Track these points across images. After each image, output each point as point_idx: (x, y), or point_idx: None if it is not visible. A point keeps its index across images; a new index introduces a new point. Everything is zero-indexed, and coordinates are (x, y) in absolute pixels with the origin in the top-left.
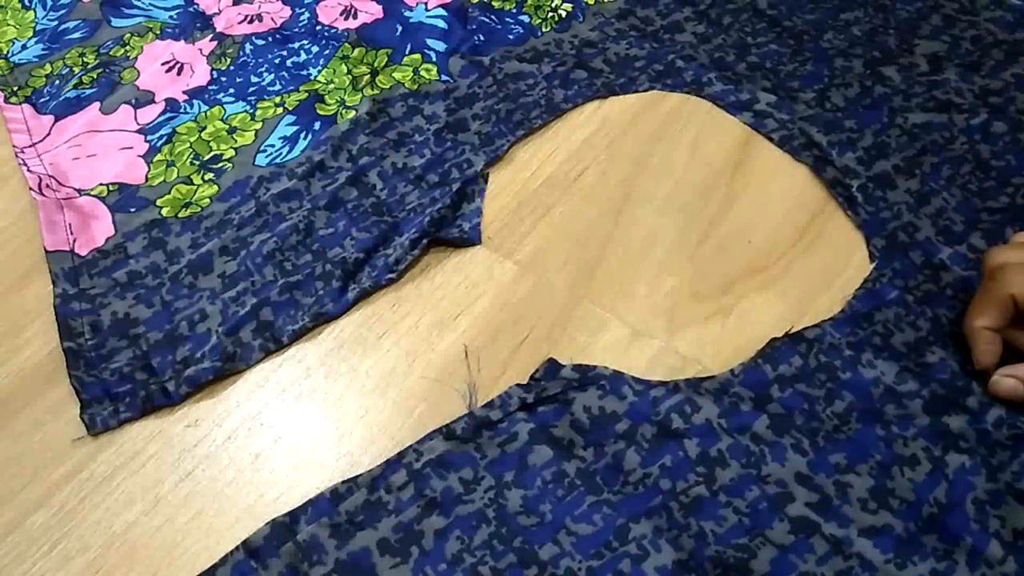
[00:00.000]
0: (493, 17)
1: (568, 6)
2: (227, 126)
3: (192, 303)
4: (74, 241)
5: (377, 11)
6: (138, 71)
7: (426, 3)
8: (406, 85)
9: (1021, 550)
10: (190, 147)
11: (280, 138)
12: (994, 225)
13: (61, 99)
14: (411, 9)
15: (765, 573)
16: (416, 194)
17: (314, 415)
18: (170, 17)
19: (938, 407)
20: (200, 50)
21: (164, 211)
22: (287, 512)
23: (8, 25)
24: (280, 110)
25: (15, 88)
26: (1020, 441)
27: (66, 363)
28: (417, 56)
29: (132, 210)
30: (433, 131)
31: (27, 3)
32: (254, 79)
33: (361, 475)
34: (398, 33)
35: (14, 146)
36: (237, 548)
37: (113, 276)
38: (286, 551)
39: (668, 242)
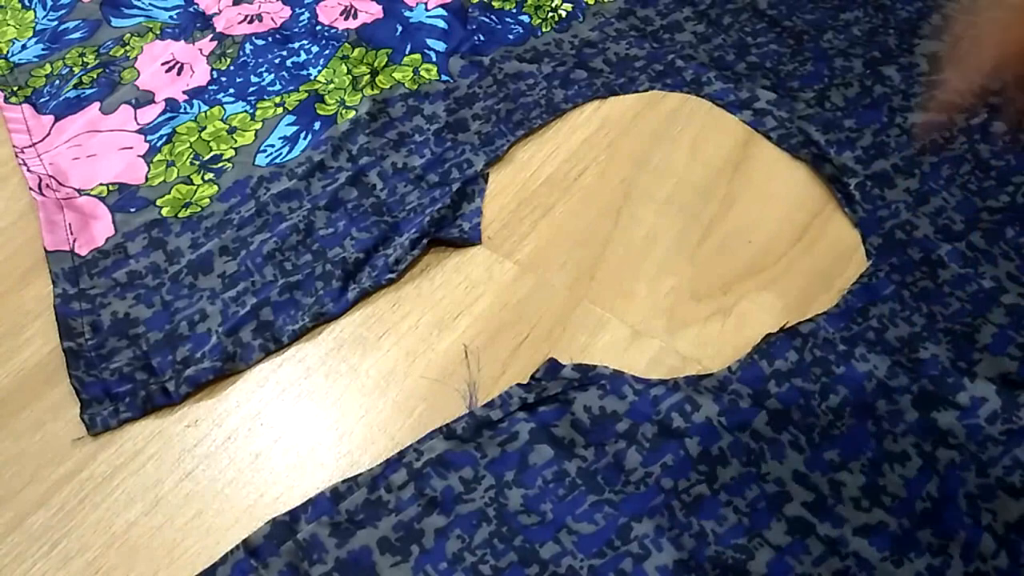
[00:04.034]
0: (493, 17)
1: (568, 6)
2: (227, 126)
3: (192, 303)
4: (74, 241)
5: (377, 11)
6: (138, 71)
7: (426, 3)
8: (406, 85)
9: (1013, 543)
10: (190, 147)
11: (280, 138)
12: (994, 225)
13: (61, 99)
14: (411, 9)
15: (762, 575)
16: (416, 194)
17: (314, 415)
18: (170, 17)
19: (927, 403)
20: (200, 50)
21: (164, 211)
22: (287, 511)
23: (8, 25)
24: (280, 110)
25: (15, 88)
26: (1013, 436)
27: (66, 363)
28: (417, 56)
29: (132, 210)
30: (433, 131)
31: (27, 3)
32: (254, 79)
33: (361, 474)
34: (398, 33)
35: (14, 146)
36: (237, 547)
37: (113, 276)
38: (286, 550)
39: (668, 242)
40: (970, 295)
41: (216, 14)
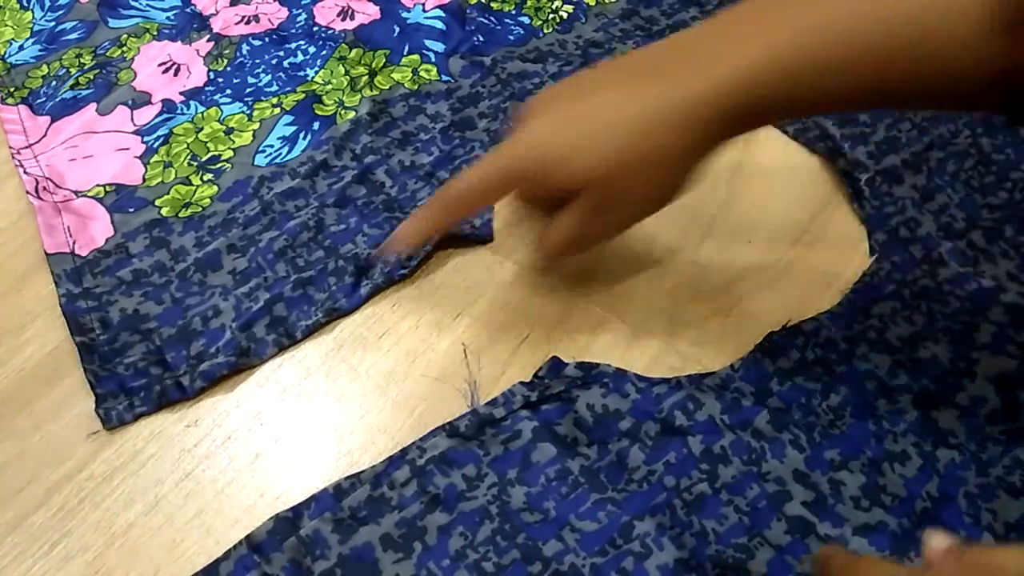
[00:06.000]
0: (492, 18)
1: (569, 8)
2: (224, 127)
3: (204, 299)
4: (74, 243)
5: (374, 12)
6: (135, 72)
7: (423, 4)
8: (406, 85)
9: (1013, 543)
10: (187, 148)
11: (279, 138)
12: (993, 223)
13: (58, 100)
14: (408, 10)
15: (762, 574)
16: (428, 190)
17: (314, 415)
18: (167, 18)
19: (928, 403)
20: (197, 51)
21: (164, 211)
22: (291, 507)
23: (6, 26)
24: (277, 111)
25: (12, 89)
26: (1013, 436)
27: (80, 357)
28: (415, 57)
29: (131, 210)
30: (439, 129)
31: (25, 3)
32: (251, 80)
33: (364, 471)
34: (395, 34)
35: (10, 147)
36: (241, 542)
37: (117, 275)
38: (289, 545)
39: (668, 242)
40: (969, 294)
41: (213, 15)
